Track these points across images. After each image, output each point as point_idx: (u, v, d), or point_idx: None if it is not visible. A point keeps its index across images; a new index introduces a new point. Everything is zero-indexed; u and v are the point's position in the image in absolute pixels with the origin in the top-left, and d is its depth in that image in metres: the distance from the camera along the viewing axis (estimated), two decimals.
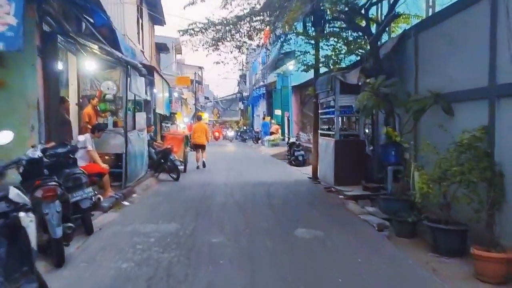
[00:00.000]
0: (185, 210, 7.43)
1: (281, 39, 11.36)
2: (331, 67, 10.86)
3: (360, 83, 8.95)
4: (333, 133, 10.00)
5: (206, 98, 58.48)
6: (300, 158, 15.62)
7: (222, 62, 10.98)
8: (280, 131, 24.85)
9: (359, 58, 10.38)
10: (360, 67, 8.73)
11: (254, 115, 39.48)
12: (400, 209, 7.11)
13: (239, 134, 36.50)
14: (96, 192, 6.21)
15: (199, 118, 16.60)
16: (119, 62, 8.55)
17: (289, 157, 16.92)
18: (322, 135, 10.85)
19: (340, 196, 8.81)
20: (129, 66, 8.52)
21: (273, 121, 26.52)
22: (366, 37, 8.77)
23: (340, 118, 9.73)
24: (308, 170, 13.58)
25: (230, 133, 37.41)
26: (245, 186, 10.43)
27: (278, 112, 25.90)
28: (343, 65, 10.78)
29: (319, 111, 11.02)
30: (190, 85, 30.82)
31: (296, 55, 10.86)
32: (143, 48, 16.26)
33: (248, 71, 39.77)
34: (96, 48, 7.64)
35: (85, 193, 5.65)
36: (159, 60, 22.84)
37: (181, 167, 13.15)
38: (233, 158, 19.31)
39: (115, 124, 9.13)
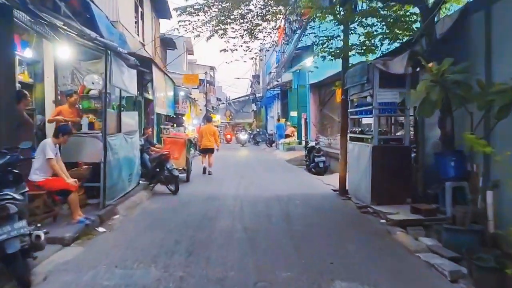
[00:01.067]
0: (176, 243, 5.48)
1: (303, 24, 9.40)
2: (365, 56, 8.87)
3: (407, 73, 6.93)
4: (369, 137, 7.96)
5: (218, 99, 56.73)
6: (321, 165, 13.64)
7: (230, 49, 9.00)
8: (296, 134, 22.88)
9: (398, 44, 8.35)
10: (408, 52, 6.70)
11: (268, 117, 37.69)
12: (472, 244, 5.15)
13: (251, 137, 34.44)
14: (38, 225, 4.29)
15: (208, 120, 14.95)
16: (96, 46, 6.68)
17: (307, 163, 15.04)
18: (353, 139, 8.79)
19: (382, 221, 6.75)
20: (109, 52, 6.64)
21: (288, 123, 24.59)
22: (420, 12, 6.72)
23: (378, 119, 7.66)
24: (331, 179, 11.59)
25: (243, 136, 33.39)
26: (257, 202, 8.47)
27: (294, 113, 23.89)
28: (378, 53, 8.76)
29: (349, 110, 8.97)
30: (199, 84, 28.80)
31: (321, 41, 8.83)
32: (143, 40, 14.44)
33: (262, 69, 37.93)
34: (60, 24, 5.78)
35: (14, 230, 3.74)
36: (165, 57, 21.04)
37: (183, 175, 11.33)
38: (245, 164, 17.35)
39: (91, 126, 7.21)
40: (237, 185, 10.95)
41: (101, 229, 6.10)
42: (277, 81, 27.64)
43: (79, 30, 6.00)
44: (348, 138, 8.99)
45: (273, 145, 27.30)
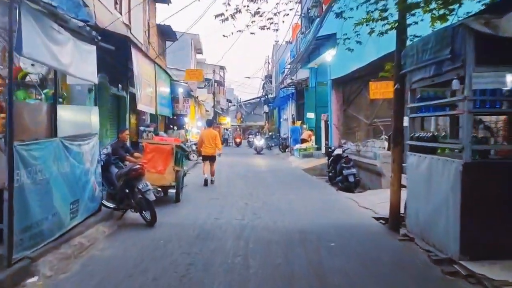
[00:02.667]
0: None
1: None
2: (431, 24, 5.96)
3: None
4: (457, 147, 4.97)
5: (229, 101, 54.13)
6: (351, 179, 10.78)
7: (231, 16, 6.13)
8: (313, 138, 19.98)
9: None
10: None
11: (281, 119, 34.84)
12: None
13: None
14: None
15: (209, 124, 12.64)
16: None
17: (330, 174, 12.23)
18: (415, 149, 5.81)
19: None
20: None
21: (304, 126, 21.68)
22: None
23: (471, 118, 4.66)
24: (366, 199, 8.83)
25: (259, 141, 26.34)
26: (271, 244, 5.59)
27: (310, 115, 20.96)
28: (452, 20, 5.82)
29: (409, 106, 5.99)
30: (203, 81, 25.80)
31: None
32: (129, 22, 11.70)
33: (275, 68, 35.23)
34: None
35: None
36: (164, 50, 18.30)
37: (173, 191, 8.61)
38: (255, 175, 14.33)
39: None
40: (243, 209, 8.08)
41: None
42: (292, 79, 24.76)
43: None
44: (408, 147, 6.01)
45: (287, 150, 24.49)
